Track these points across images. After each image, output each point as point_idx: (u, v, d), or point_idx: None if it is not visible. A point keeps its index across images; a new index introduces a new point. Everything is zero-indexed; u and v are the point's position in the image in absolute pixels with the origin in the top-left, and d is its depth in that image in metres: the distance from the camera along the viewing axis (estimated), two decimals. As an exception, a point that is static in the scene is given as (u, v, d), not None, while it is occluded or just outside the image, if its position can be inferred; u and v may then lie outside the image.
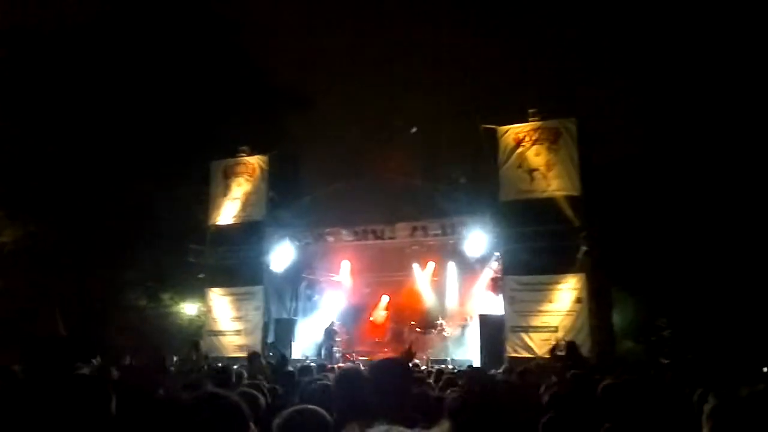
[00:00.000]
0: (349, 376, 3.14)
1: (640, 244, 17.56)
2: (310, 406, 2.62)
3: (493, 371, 9.46)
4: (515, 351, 13.89)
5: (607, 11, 22.25)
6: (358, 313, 19.91)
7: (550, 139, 14.80)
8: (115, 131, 20.73)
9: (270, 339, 16.80)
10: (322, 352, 17.13)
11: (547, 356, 12.25)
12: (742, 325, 15.63)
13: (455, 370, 10.48)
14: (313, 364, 9.68)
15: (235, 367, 8.43)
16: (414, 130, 22.29)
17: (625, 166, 19.27)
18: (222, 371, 6.38)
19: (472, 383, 5.92)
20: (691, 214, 17.62)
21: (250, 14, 25.16)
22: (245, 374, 6.31)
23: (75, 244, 19.63)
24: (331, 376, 5.15)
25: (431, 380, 6.66)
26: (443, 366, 13.76)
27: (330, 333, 17.24)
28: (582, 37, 22.50)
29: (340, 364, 14.35)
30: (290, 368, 7.58)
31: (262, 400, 3.60)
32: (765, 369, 9.93)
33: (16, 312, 17.00)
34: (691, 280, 16.98)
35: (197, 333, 18.26)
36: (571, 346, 10.33)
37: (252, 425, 2.06)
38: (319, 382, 4.69)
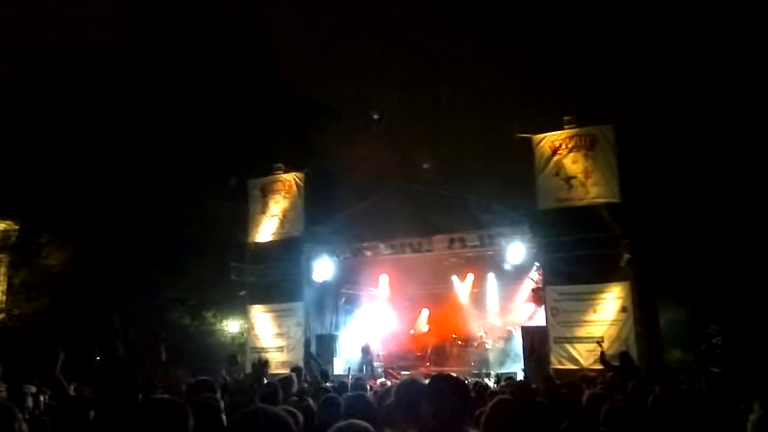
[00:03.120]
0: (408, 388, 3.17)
1: (686, 250, 17.11)
2: (358, 421, 2.61)
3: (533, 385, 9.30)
4: (560, 363, 13.64)
5: (641, 16, 21.93)
6: (398, 326, 19.86)
7: (587, 146, 14.58)
8: (152, 153, 21.22)
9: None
10: (364, 368, 17.15)
11: (595, 367, 11.99)
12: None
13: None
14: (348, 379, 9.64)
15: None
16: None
17: (667, 170, 18.86)
18: (269, 386, 6.41)
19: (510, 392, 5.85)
20: (739, 216, 17.11)
21: (281, 32, 25.61)
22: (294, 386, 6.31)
23: (118, 265, 20.10)
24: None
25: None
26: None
27: (366, 350, 17.28)
28: (618, 43, 22.19)
29: (382, 380, 14.33)
30: (330, 384, 7.57)
31: (300, 416, 3.62)
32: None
33: (62, 331, 17.51)
34: (742, 284, 16.44)
35: (240, 350, 18.47)
36: (624, 356, 10.07)
37: None
38: (357, 395, 4.70)
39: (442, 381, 2.95)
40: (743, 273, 16.51)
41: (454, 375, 3.29)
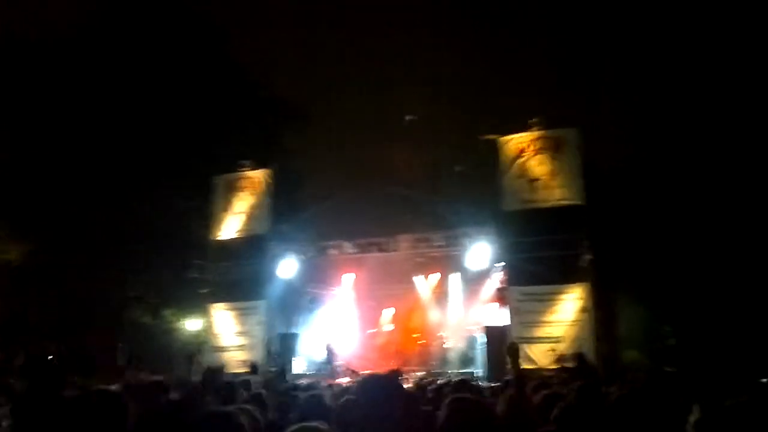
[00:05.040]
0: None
1: (645, 252, 17.47)
2: (311, 423, 2.57)
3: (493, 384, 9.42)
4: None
5: (608, 19, 22.31)
6: (362, 326, 19.84)
7: (553, 148, 14.74)
8: (114, 148, 20.75)
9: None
10: (326, 367, 17.06)
11: (552, 367, 12.15)
12: (747, 333, 15.50)
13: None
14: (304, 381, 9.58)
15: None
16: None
17: (629, 173, 19.24)
18: (227, 387, 6.31)
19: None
20: (697, 220, 17.54)
21: (247, 27, 25.32)
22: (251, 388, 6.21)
23: (77, 262, 19.61)
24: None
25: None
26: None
27: (328, 349, 17.22)
28: (583, 46, 22.54)
29: (343, 378, 14.27)
30: (288, 383, 7.50)
31: (260, 416, 3.56)
32: (765, 379, 9.72)
33: (18, 329, 17.05)
34: (697, 287, 16.86)
35: (200, 349, 18.19)
36: (580, 357, 10.20)
37: None
38: (311, 394, 4.67)
39: (368, 382, 2.97)
40: (699, 276, 16.93)
41: (385, 375, 3.28)
